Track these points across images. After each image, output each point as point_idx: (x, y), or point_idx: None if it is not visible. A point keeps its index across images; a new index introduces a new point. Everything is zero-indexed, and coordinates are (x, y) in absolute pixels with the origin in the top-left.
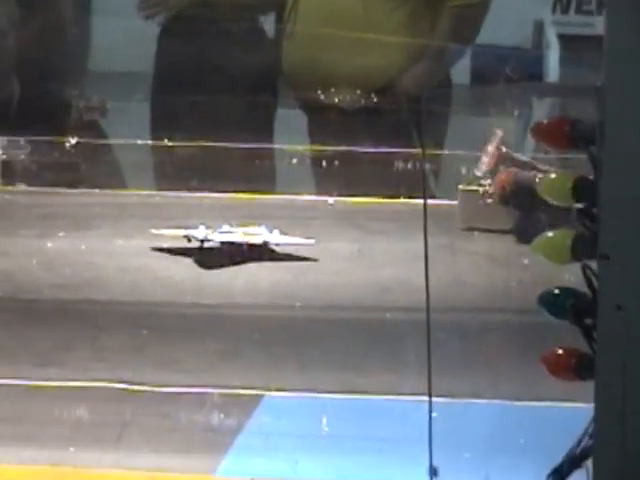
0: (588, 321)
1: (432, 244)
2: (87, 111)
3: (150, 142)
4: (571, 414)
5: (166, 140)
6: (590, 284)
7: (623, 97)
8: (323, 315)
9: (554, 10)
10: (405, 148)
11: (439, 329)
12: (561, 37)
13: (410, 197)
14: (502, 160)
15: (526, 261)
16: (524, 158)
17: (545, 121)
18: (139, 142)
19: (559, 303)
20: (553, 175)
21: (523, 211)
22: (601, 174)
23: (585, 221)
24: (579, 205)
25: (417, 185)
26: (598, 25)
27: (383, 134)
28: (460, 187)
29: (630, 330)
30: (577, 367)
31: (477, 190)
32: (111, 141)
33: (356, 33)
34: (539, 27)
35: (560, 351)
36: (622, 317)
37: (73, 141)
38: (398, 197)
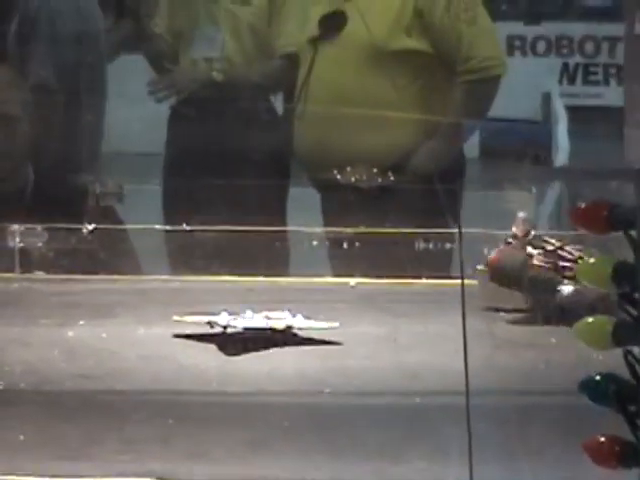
0: (631, 408)
1: (457, 325)
2: (103, 197)
3: (167, 227)
4: None
5: (184, 225)
6: (633, 370)
7: None
8: (352, 401)
9: (561, 81)
10: (424, 228)
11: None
12: (569, 108)
13: (434, 277)
14: (529, 243)
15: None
16: (553, 241)
17: (583, 205)
18: (157, 227)
19: (601, 389)
20: (592, 260)
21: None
22: None
23: (627, 306)
24: (620, 290)
25: (438, 265)
26: (605, 95)
27: (400, 213)
28: (478, 267)
29: None
30: (620, 455)
31: None
32: (128, 226)
33: (366, 112)
34: (547, 99)
35: (602, 439)
36: None
37: (90, 227)
38: (420, 278)
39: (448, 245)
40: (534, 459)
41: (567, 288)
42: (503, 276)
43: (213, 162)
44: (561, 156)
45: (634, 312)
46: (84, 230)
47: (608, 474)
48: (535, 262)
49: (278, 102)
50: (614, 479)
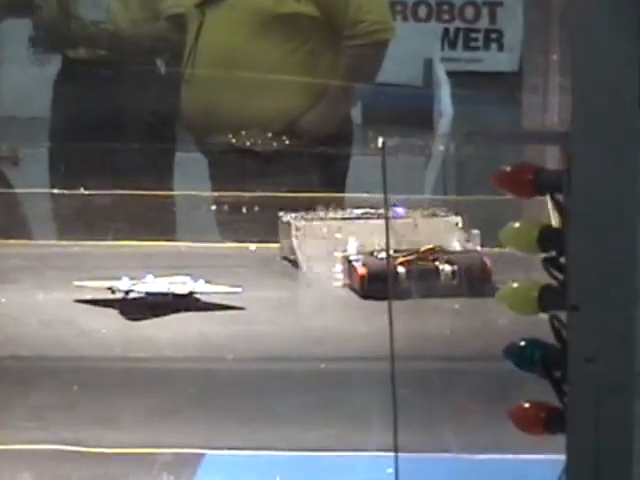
0: (557, 373)
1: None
2: None
3: (65, 191)
4: (539, 467)
5: (82, 189)
6: (559, 335)
7: (590, 144)
8: (255, 367)
9: (443, 47)
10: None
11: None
12: (450, 74)
13: None
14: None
15: None
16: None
17: (508, 168)
18: (55, 191)
19: (526, 355)
20: (517, 224)
21: None
22: (567, 222)
23: (553, 271)
24: (545, 254)
25: None
26: (486, 60)
27: (292, 176)
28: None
29: (601, 382)
30: (546, 421)
31: None
32: (24, 190)
33: (255, 75)
34: (428, 64)
35: (527, 405)
36: (593, 369)
37: None
38: None
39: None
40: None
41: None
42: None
43: (98, 126)
44: (444, 121)
45: (560, 276)
46: None
47: (533, 440)
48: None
49: (162, 65)
50: (539, 445)
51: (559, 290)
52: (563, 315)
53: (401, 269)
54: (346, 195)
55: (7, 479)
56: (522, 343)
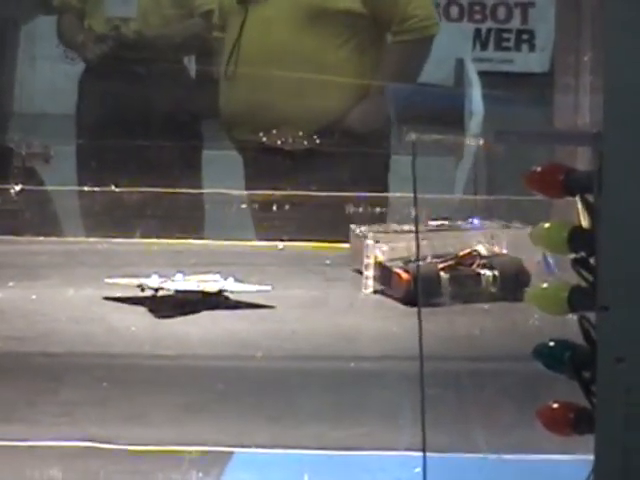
0: (586, 374)
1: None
2: (30, 157)
3: (95, 189)
4: (567, 467)
5: (113, 186)
6: (587, 336)
7: (622, 145)
8: (284, 365)
9: (474, 47)
10: (352, 192)
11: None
12: (482, 74)
13: None
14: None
15: None
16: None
17: (539, 169)
18: (85, 189)
19: (555, 356)
20: (547, 225)
21: None
22: (598, 223)
23: (582, 271)
24: (575, 255)
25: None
26: (517, 61)
27: (328, 176)
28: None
29: (631, 382)
30: (574, 422)
31: None
32: (55, 187)
33: (300, 73)
34: (460, 64)
35: (556, 405)
36: (622, 369)
37: (17, 188)
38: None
39: (377, 209)
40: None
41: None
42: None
43: (124, 123)
44: (475, 121)
45: (589, 277)
46: (11, 190)
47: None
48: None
49: (191, 63)
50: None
51: (589, 291)
52: (592, 316)
53: (444, 274)
54: (389, 194)
55: (37, 475)
56: (551, 344)
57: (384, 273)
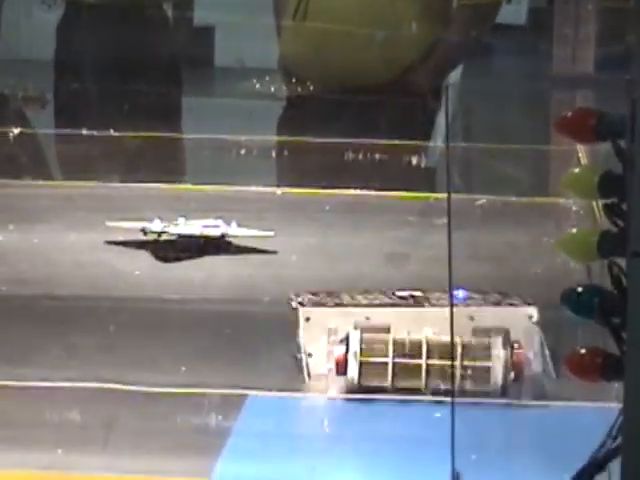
0: (615, 320)
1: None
2: (26, 102)
3: (94, 132)
4: (592, 415)
5: (112, 130)
6: (618, 282)
7: None
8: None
9: None
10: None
11: None
12: None
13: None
14: None
15: None
16: None
17: (569, 114)
18: (84, 132)
19: (584, 301)
20: (577, 169)
21: None
22: (631, 168)
23: (613, 217)
24: (606, 201)
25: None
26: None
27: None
28: None
29: None
30: (603, 368)
31: None
32: (53, 131)
33: (369, 27)
34: None
35: (584, 351)
36: None
37: (16, 131)
38: (349, 188)
39: (377, 156)
40: None
41: None
42: None
43: (104, 68)
44: (454, 72)
45: (620, 223)
46: (10, 134)
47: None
48: None
49: (169, 10)
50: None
51: (619, 236)
52: (622, 262)
53: None
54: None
55: (49, 417)
56: (579, 289)
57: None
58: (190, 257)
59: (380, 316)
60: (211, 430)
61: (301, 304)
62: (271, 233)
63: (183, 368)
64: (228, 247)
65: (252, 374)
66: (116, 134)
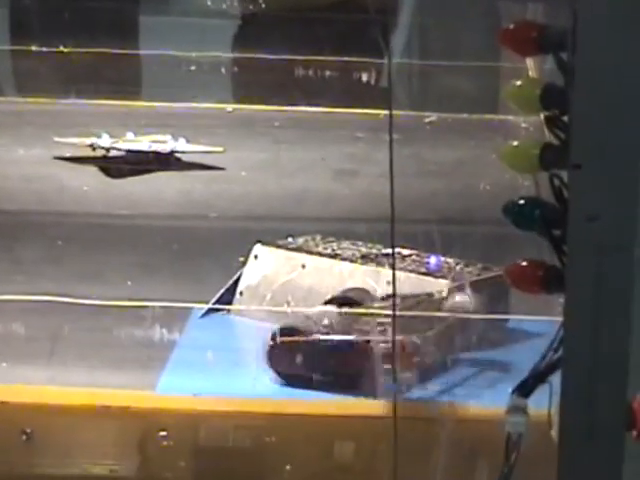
0: (556, 232)
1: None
2: None
3: (43, 49)
4: (535, 326)
5: (61, 47)
6: (558, 195)
7: (596, 1)
8: (237, 225)
9: None
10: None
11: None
12: None
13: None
14: None
15: None
16: None
17: (512, 26)
18: (33, 48)
19: (525, 213)
20: (519, 82)
21: None
22: (572, 81)
23: (554, 130)
24: (547, 113)
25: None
26: None
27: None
28: None
29: (602, 241)
30: (543, 280)
31: None
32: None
33: None
34: None
35: (525, 264)
36: (594, 228)
37: None
38: (297, 105)
39: (328, 72)
40: None
41: None
42: None
43: None
44: None
45: (562, 135)
46: None
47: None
48: None
49: None
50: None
51: (561, 149)
52: (564, 175)
53: None
54: None
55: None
56: (521, 201)
57: None
58: (138, 173)
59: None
60: (156, 343)
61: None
62: (220, 149)
63: (129, 282)
64: (177, 163)
65: (197, 288)
66: (66, 50)
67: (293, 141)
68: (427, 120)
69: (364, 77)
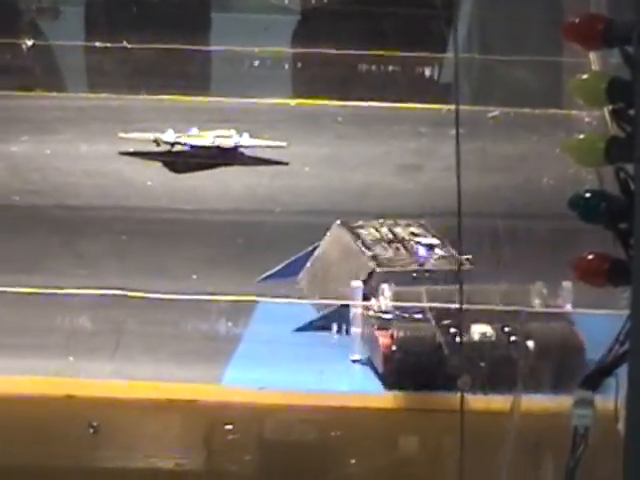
0: (623, 225)
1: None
2: (39, 13)
3: (107, 44)
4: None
5: (125, 42)
6: (625, 187)
7: None
8: (303, 219)
9: None
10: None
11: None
12: None
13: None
14: None
15: None
16: None
17: (577, 20)
18: (97, 44)
19: (592, 206)
20: (585, 76)
21: None
22: (638, 74)
23: (620, 123)
24: (613, 106)
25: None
26: None
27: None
28: None
29: None
30: (609, 273)
31: None
32: (67, 42)
33: None
34: None
35: (591, 256)
36: None
37: (29, 43)
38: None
39: (390, 67)
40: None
41: None
42: None
43: None
44: None
45: (628, 128)
46: (23, 45)
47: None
48: None
49: None
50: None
51: (627, 141)
52: (630, 167)
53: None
54: None
55: (63, 323)
56: (587, 194)
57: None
58: (202, 168)
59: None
60: (222, 336)
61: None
62: (284, 144)
63: (194, 276)
64: (241, 158)
65: (262, 282)
66: (129, 46)
67: (356, 136)
68: (490, 115)
69: (426, 72)
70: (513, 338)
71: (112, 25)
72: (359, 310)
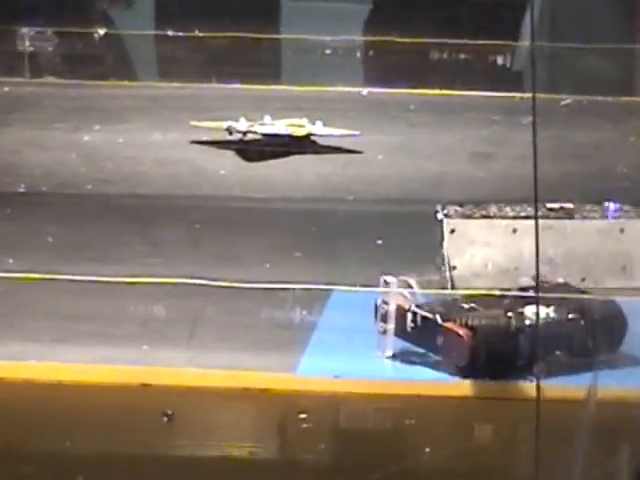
0: None
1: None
2: (111, 3)
3: (179, 34)
4: None
5: (197, 31)
6: None
7: None
8: (376, 208)
9: None
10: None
11: None
12: None
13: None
14: None
15: None
16: None
17: None
18: (169, 33)
19: None
20: None
21: None
22: None
23: None
24: None
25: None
26: None
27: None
28: None
29: None
30: None
31: None
32: (139, 32)
33: None
34: None
35: None
36: None
37: (102, 32)
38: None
39: (462, 55)
40: None
41: None
42: None
43: None
44: None
45: None
46: (95, 35)
47: None
48: None
49: None
50: None
51: None
52: None
53: None
54: None
55: (138, 312)
56: None
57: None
58: (275, 156)
59: (526, 228)
60: (296, 325)
61: (447, 216)
62: (357, 132)
63: (267, 265)
64: (314, 146)
65: (336, 270)
66: (201, 35)
67: (428, 124)
68: (563, 103)
69: (499, 59)
70: (571, 316)
71: (183, 14)
72: (393, 306)
